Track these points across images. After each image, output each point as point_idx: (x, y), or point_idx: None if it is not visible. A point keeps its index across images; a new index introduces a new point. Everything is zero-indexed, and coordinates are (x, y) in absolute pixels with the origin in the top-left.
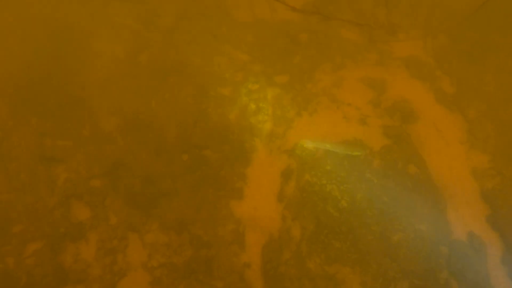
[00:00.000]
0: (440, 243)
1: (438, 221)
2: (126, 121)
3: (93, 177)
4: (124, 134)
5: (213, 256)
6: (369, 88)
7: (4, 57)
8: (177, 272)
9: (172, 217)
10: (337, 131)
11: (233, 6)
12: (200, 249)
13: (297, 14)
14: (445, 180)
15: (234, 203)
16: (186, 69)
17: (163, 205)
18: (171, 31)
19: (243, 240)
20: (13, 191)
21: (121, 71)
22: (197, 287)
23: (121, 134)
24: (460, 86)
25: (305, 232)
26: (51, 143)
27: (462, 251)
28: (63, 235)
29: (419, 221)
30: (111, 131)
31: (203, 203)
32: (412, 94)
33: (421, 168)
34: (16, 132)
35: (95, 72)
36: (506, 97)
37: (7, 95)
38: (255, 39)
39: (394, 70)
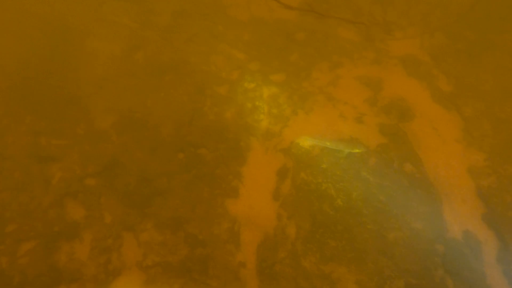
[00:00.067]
0: (435, 241)
1: (434, 219)
2: (122, 119)
3: (88, 176)
4: (119, 133)
5: (208, 255)
6: (365, 87)
7: None
8: (172, 271)
9: (167, 215)
10: (334, 129)
11: (230, 5)
12: (195, 248)
13: (294, 13)
14: (441, 178)
15: (229, 201)
16: (183, 67)
17: (158, 204)
18: (167, 29)
19: (239, 238)
20: (7, 190)
21: (117, 69)
22: (192, 286)
23: (116, 133)
24: (457, 85)
25: (301, 231)
26: (45, 141)
27: (457, 249)
28: (57, 234)
29: (415, 219)
30: (107, 130)
31: (198, 201)
32: (408, 92)
33: (417, 166)
34: (10, 130)
35: (91, 71)
36: (503, 96)
37: (1, 93)
38: (252, 38)
39: (391, 69)
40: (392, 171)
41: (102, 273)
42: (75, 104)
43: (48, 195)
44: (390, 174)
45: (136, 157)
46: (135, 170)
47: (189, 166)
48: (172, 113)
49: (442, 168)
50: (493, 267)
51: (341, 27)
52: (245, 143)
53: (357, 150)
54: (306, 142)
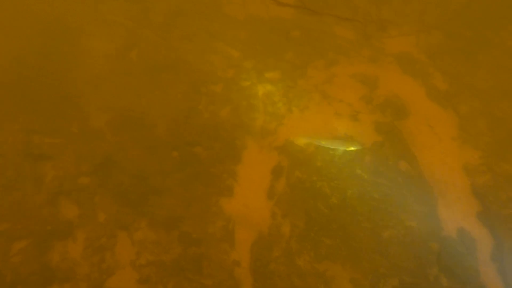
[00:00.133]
0: (430, 239)
1: (429, 217)
2: (116, 118)
3: (81, 174)
4: (114, 131)
5: (202, 254)
6: (361, 85)
7: None
8: (166, 270)
9: (162, 214)
10: (329, 127)
11: (226, 3)
12: (189, 246)
13: (290, 11)
14: (436, 176)
15: (224, 200)
16: (178, 66)
17: (153, 203)
18: (163, 28)
19: (233, 237)
20: None
21: (112, 68)
22: (186, 285)
23: (110, 131)
24: (452, 83)
25: (295, 229)
26: (39, 140)
27: (452, 247)
28: (50, 233)
29: (410, 217)
30: (101, 128)
31: (193, 200)
32: (404, 90)
33: (412, 164)
34: (3, 128)
35: (86, 69)
36: (498, 93)
37: None
38: (248, 36)
39: (387, 67)
40: (387, 169)
41: (95, 272)
42: (69, 102)
43: (41, 194)
44: (385, 172)
45: (130, 156)
46: (130, 168)
47: (184, 164)
48: (167, 111)
49: (437, 166)
50: (488, 265)
51: (337, 25)
52: (240, 142)
53: (352, 148)
54: (301, 140)
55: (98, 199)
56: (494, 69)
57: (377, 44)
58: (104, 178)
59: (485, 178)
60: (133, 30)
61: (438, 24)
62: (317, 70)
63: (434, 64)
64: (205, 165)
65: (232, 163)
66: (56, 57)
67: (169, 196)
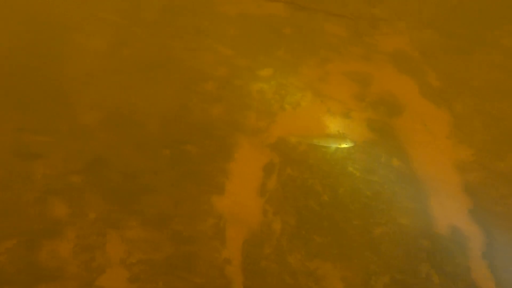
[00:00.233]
0: (421, 236)
1: (421, 214)
2: (107, 115)
3: (71, 172)
4: (104, 129)
5: (193, 252)
6: (354, 82)
7: None
8: (157, 269)
9: (153, 212)
10: (321, 125)
11: (217, 1)
12: (180, 245)
13: (281, 8)
14: (429, 173)
15: (215, 198)
16: (169, 63)
17: (143, 201)
18: (154, 25)
19: (224, 235)
20: None
21: (103, 65)
22: (176, 283)
23: (101, 129)
24: (446, 80)
25: (286, 226)
26: (29, 138)
27: (443, 244)
28: (39, 232)
29: (402, 214)
30: (91, 126)
31: (184, 198)
32: (397, 88)
33: (405, 162)
34: None
35: (76, 67)
36: (492, 91)
37: None
38: (239, 33)
39: (380, 64)
40: (379, 167)
41: (85, 271)
42: (59, 100)
43: (31, 192)
44: (377, 169)
45: (121, 154)
46: (120, 167)
47: (175, 162)
48: (158, 109)
49: (430, 164)
50: (479, 262)
51: (329, 22)
52: (231, 139)
53: (344, 146)
54: (293, 137)
55: (88, 197)
56: (488, 67)
57: (369, 41)
58: (94, 176)
59: (477, 175)
60: (124, 27)
61: (432, 22)
62: (310, 67)
63: (428, 61)
64: (196, 163)
65: (224, 161)
66: (47, 54)
67: (160, 194)
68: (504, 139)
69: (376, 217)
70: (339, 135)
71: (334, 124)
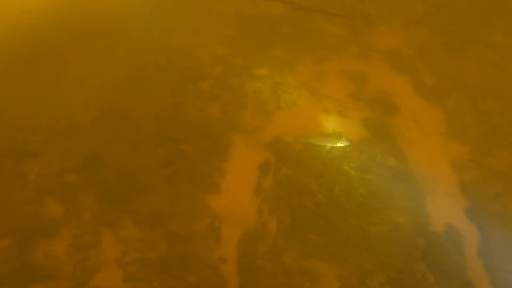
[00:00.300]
0: (417, 235)
1: (416, 213)
2: (101, 114)
3: (66, 172)
4: (98, 128)
5: (188, 251)
6: (349, 81)
7: None
8: (151, 268)
9: (147, 212)
10: (317, 124)
11: None
12: (175, 244)
13: (278, 7)
14: (424, 172)
15: (210, 197)
16: (165, 62)
17: (138, 200)
18: (149, 23)
19: (219, 234)
20: None
21: (97, 64)
22: (171, 282)
23: (95, 128)
24: (440, 78)
25: (282, 226)
26: (22, 137)
27: (439, 243)
28: (33, 231)
29: (397, 213)
30: (86, 125)
31: (179, 197)
32: (392, 86)
33: (400, 160)
34: None
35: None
36: (485, 88)
37: None
38: (236, 32)
39: (375, 63)
40: (375, 165)
41: (79, 270)
42: (53, 98)
43: (25, 192)
44: (373, 168)
45: (115, 153)
46: (115, 165)
47: (170, 161)
48: (153, 108)
49: (425, 162)
50: (474, 261)
51: (325, 21)
52: (227, 138)
53: (340, 144)
54: (289, 137)
55: (83, 196)
56: (481, 64)
57: (366, 40)
58: (89, 175)
59: (472, 173)
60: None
61: (425, 19)
62: (306, 66)
63: (422, 59)
64: (192, 162)
65: (219, 160)
66: (40, 53)
67: (154, 193)
68: (497, 136)
69: (371, 216)
70: (335, 134)
71: (330, 123)
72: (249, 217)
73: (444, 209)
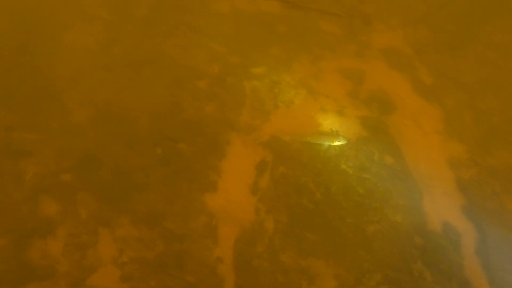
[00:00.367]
0: (415, 234)
1: (414, 212)
2: (98, 113)
3: (62, 171)
4: (95, 127)
5: (185, 250)
6: (347, 79)
7: None
8: (148, 267)
9: (144, 211)
10: (314, 122)
11: None
12: (172, 243)
13: (275, 5)
14: (421, 170)
15: (207, 196)
16: (161, 61)
17: (135, 199)
18: (146, 22)
19: (216, 233)
20: None
21: (93, 62)
22: (168, 282)
23: (92, 127)
24: (438, 77)
25: (279, 225)
26: (18, 136)
27: (437, 241)
28: (30, 231)
29: (395, 212)
30: (82, 124)
31: (175, 196)
32: (390, 85)
33: (397, 159)
34: None
35: (66, 64)
36: (483, 87)
37: None
38: (233, 31)
39: (373, 61)
40: (372, 164)
41: (76, 270)
42: (49, 97)
43: (21, 191)
44: (371, 167)
45: (112, 152)
46: (111, 164)
47: (166, 160)
48: (150, 107)
49: (422, 160)
50: (472, 259)
51: (322, 20)
52: (224, 137)
53: (337, 143)
54: (286, 135)
55: (79, 195)
56: (480, 63)
57: (364, 38)
58: (85, 174)
59: (470, 172)
60: (114, 24)
61: (424, 18)
62: (303, 65)
63: (420, 58)
64: (188, 161)
65: (216, 158)
66: (35, 51)
67: (151, 192)
68: (495, 135)
69: (369, 214)
70: (332, 132)
71: (327, 122)
72: (246, 216)
73: (442, 207)
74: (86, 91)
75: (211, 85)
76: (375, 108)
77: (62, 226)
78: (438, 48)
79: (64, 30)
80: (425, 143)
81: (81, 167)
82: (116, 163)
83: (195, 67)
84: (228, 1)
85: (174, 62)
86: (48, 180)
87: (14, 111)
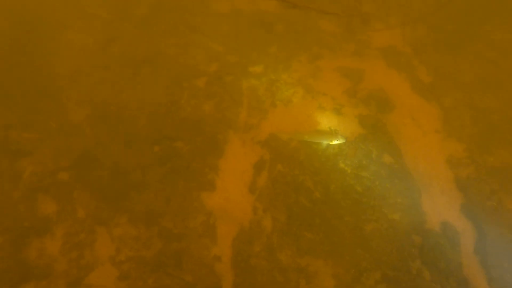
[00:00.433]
0: (413, 232)
1: (412, 210)
2: (96, 112)
3: (60, 169)
4: (93, 126)
5: (183, 249)
6: (345, 78)
7: None
8: (146, 266)
9: (142, 209)
10: (312, 121)
11: None
12: (170, 242)
13: (274, 5)
14: (420, 169)
15: (205, 195)
16: (159, 60)
17: (133, 198)
18: (144, 21)
19: (214, 232)
20: None
21: (92, 62)
22: (166, 280)
23: (90, 126)
24: (436, 75)
25: (277, 223)
26: (16, 135)
27: (435, 240)
28: (27, 230)
29: (393, 210)
30: (80, 123)
31: (173, 195)
32: (388, 83)
33: (396, 157)
34: None
35: (65, 63)
36: (481, 86)
37: None
38: (231, 30)
39: (371, 60)
40: (370, 163)
41: (74, 269)
42: (47, 96)
43: (19, 190)
44: (369, 165)
45: (110, 151)
46: (109, 163)
47: (164, 159)
48: (148, 105)
49: (421, 159)
50: (470, 258)
51: (321, 19)
52: (222, 136)
53: (335, 142)
54: (284, 134)
55: (77, 194)
56: (478, 62)
57: (362, 38)
58: (83, 173)
59: (468, 170)
60: (113, 23)
61: (422, 17)
62: (301, 63)
63: (419, 57)
64: (186, 159)
65: (214, 157)
66: (34, 50)
67: (149, 191)
68: (494, 134)
69: (367, 213)
70: (331, 131)
71: (325, 120)
72: (244, 214)
73: (440, 206)
74: (84, 91)
75: (209, 84)
76: (374, 107)
77: (59, 225)
78: (437, 47)
79: (63, 29)
80: (423, 142)
81: (79, 166)
82: (114, 162)
83: (193, 66)
84: (227, 0)
85: (173, 61)
86: (46, 179)
87: (13, 110)
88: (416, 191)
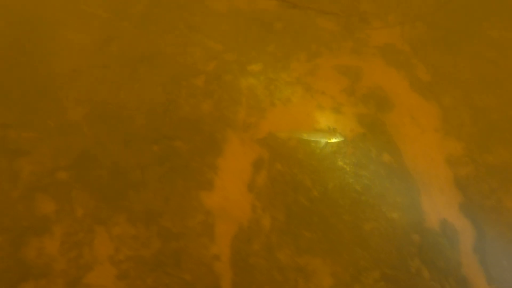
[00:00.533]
0: (412, 231)
1: (411, 209)
2: (94, 111)
3: (59, 169)
4: (91, 125)
5: (182, 248)
6: (344, 77)
7: None
8: (145, 265)
9: (140, 209)
10: (311, 120)
11: None
12: (168, 241)
13: (272, 3)
14: (419, 168)
15: (204, 194)
16: (158, 59)
17: (131, 197)
18: (142, 20)
19: (213, 231)
20: None
21: (90, 60)
22: (165, 280)
23: (88, 125)
24: (435, 74)
25: (276, 222)
26: (15, 134)
27: (434, 239)
28: (26, 229)
29: (392, 209)
30: (78, 122)
31: (172, 194)
32: (387, 82)
33: (395, 156)
34: None
35: (63, 62)
36: (480, 84)
37: None
38: (229, 28)
39: (370, 58)
40: (369, 161)
41: (73, 268)
42: (46, 95)
43: (17, 189)
44: (368, 164)
45: (108, 150)
46: (108, 163)
47: (163, 158)
48: (146, 104)
49: (420, 158)
50: (469, 257)
51: (319, 17)
52: (221, 135)
53: (334, 140)
54: (283, 133)
55: (76, 193)
56: (477, 60)
57: (361, 36)
58: (81, 172)
59: (467, 169)
60: (111, 22)
61: (421, 15)
62: (300, 62)
63: (418, 55)
64: (185, 158)
65: (213, 156)
66: (32, 50)
67: (148, 190)
68: (493, 132)
69: (366, 212)
70: (329, 130)
71: (324, 119)
72: (242, 213)
73: (439, 205)
74: (82, 89)
75: (208, 83)
76: (372, 106)
77: (58, 225)
78: (436, 46)
79: (61, 28)
80: (422, 140)
81: (78, 166)
82: (112, 161)
83: (192, 65)
84: None
85: (171, 60)
86: (45, 178)
87: (11, 110)
88: (415, 190)
